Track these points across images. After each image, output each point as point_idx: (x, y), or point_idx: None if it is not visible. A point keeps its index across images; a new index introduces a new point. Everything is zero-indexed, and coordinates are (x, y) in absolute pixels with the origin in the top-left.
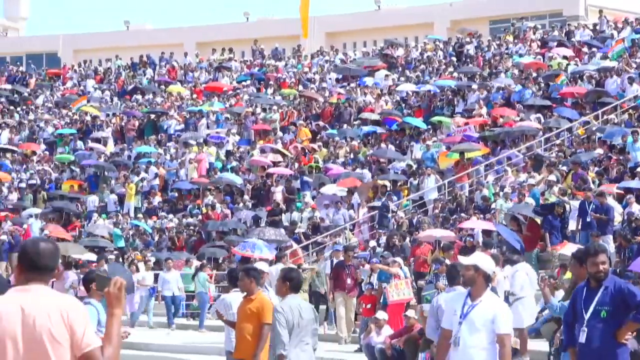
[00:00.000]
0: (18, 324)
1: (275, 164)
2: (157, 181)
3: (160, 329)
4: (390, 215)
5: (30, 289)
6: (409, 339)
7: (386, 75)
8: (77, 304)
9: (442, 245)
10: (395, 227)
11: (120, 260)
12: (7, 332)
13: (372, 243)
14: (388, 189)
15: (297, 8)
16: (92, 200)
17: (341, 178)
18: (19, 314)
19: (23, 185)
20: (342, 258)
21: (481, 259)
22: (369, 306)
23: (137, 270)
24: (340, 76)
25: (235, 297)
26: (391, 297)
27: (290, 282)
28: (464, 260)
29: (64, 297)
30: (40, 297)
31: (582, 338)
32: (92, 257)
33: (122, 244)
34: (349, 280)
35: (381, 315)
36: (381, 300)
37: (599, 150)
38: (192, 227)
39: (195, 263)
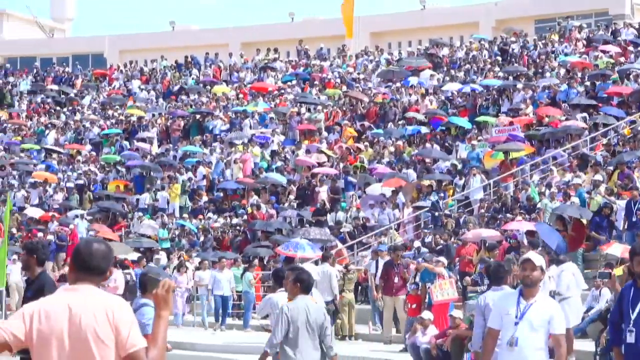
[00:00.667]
0: (65, 323)
1: (320, 163)
2: (204, 182)
3: (206, 329)
4: (437, 214)
5: (78, 288)
6: (455, 339)
7: (431, 75)
8: (123, 305)
9: (487, 245)
10: (441, 226)
11: (167, 260)
12: (54, 331)
13: (417, 243)
14: (433, 188)
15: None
16: (144, 198)
17: (386, 178)
18: (66, 313)
19: (70, 185)
20: (389, 258)
21: (542, 260)
22: (414, 306)
23: (186, 270)
24: None
25: (281, 297)
26: (435, 297)
27: (301, 284)
28: (536, 260)
29: (110, 297)
30: (88, 297)
31: (631, 338)
32: (136, 257)
33: (167, 244)
34: (396, 280)
35: (426, 315)
36: (426, 300)
37: None
38: (237, 227)
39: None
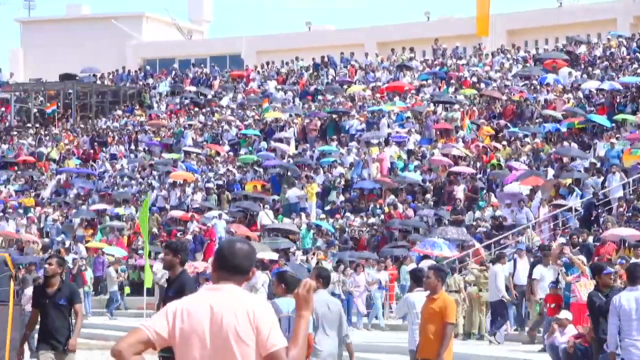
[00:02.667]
0: (206, 321)
1: (456, 162)
2: (342, 181)
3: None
4: (595, 213)
5: (220, 287)
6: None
7: (569, 73)
8: (264, 304)
9: (627, 244)
10: (579, 225)
11: (306, 260)
12: (196, 329)
13: (562, 239)
14: (574, 187)
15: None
16: (293, 193)
17: (524, 176)
18: (208, 312)
19: (209, 185)
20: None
21: None
22: (552, 305)
23: (363, 270)
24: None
25: (418, 297)
26: (582, 296)
27: (323, 279)
28: None
29: (252, 296)
30: (230, 297)
31: None
32: (275, 256)
33: (308, 244)
34: None
35: (564, 314)
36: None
37: None
38: (374, 227)
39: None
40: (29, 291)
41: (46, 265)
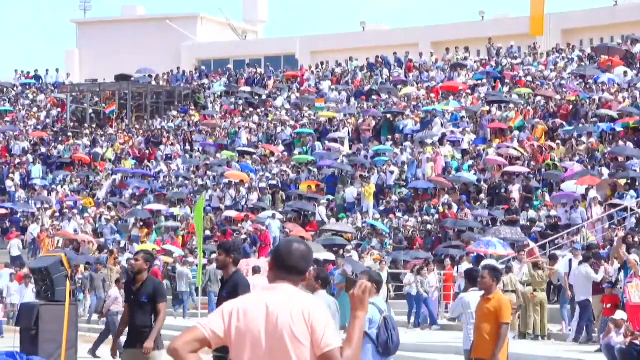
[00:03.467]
0: (262, 321)
1: (511, 162)
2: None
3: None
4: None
5: (276, 287)
6: None
7: (625, 72)
8: (319, 304)
9: None
10: (635, 224)
11: (359, 259)
12: (251, 329)
13: (621, 234)
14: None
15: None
16: (351, 192)
17: (578, 176)
18: (264, 312)
19: (263, 185)
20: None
21: None
22: (608, 306)
23: (433, 269)
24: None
25: (473, 297)
26: (633, 298)
27: (321, 280)
28: None
29: (307, 296)
30: (285, 296)
31: None
32: (331, 256)
33: (364, 244)
34: None
35: (620, 315)
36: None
37: None
38: (429, 227)
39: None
40: (113, 292)
41: (132, 261)
